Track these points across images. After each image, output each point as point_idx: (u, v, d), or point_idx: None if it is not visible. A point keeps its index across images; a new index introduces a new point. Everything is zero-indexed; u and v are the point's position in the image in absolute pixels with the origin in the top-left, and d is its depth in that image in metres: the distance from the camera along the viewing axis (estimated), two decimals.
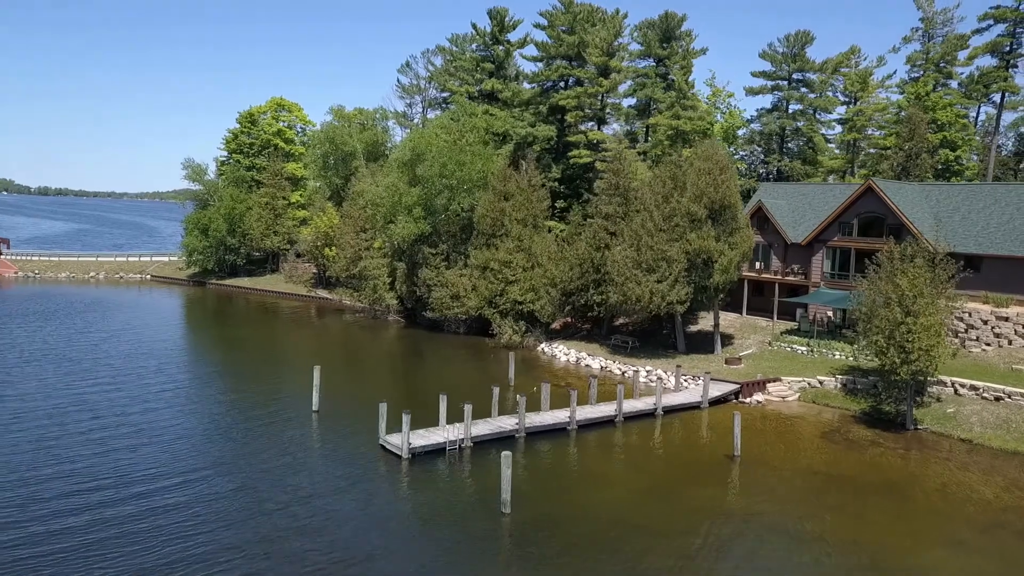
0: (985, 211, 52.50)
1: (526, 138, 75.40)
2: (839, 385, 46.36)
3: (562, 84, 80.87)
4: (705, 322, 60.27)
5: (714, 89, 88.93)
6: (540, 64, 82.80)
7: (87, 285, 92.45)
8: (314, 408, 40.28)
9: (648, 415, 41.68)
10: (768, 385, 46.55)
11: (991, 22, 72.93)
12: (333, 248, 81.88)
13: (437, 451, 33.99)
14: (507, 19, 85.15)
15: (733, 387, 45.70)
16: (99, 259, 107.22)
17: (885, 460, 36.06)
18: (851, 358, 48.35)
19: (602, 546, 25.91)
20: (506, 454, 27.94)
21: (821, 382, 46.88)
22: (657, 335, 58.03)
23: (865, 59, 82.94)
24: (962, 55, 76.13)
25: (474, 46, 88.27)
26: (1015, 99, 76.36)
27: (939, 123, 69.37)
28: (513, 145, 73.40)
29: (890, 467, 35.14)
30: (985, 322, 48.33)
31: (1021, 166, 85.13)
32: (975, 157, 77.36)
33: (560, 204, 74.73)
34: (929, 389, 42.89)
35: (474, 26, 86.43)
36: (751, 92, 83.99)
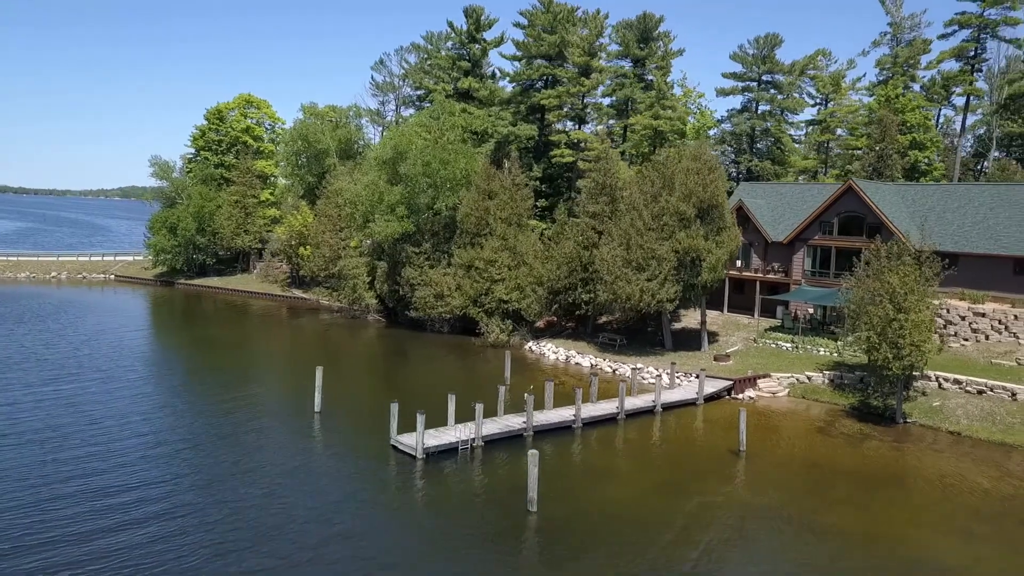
0: (960, 211, 54.35)
1: (508, 137, 75.53)
2: (827, 380, 47.57)
3: (541, 83, 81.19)
4: (688, 319, 61.27)
5: (685, 90, 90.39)
6: (519, 63, 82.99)
7: (48, 285, 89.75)
8: (316, 409, 39.88)
9: (648, 412, 42.29)
10: (759, 381, 47.57)
11: (956, 28, 75.43)
12: (308, 247, 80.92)
13: (450, 451, 34.00)
14: (483, 17, 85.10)
15: (726, 383, 46.55)
16: (60, 259, 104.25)
17: (881, 453, 37.17)
18: (835, 354, 49.70)
19: (629, 542, 26.25)
20: (533, 452, 28.17)
21: (809, 378, 48.04)
22: (643, 333, 58.76)
23: (835, 62, 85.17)
24: (925, 59, 78.75)
25: (449, 44, 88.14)
26: (975, 102, 79.26)
27: (908, 125, 71.52)
28: (494, 144, 73.46)
29: (887, 460, 36.23)
30: (963, 318, 50.08)
31: (978, 167, 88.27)
32: (937, 158, 79.90)
33: (542, 203, 75.06)
34: (915, 383, 44.31)
35: (450, 24, 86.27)
36: (722, 93, 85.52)
